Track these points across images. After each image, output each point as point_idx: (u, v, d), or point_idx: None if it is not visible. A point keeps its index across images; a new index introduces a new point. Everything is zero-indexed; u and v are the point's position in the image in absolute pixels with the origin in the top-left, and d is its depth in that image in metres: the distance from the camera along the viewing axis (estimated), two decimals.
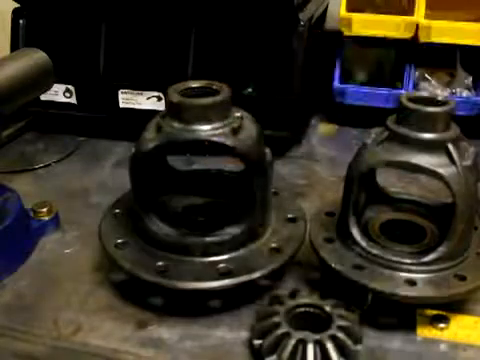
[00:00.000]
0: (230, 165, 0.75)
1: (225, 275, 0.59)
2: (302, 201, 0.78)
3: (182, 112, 0.58)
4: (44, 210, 0.75)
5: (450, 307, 0.61)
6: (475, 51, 0.96)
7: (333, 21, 1.07)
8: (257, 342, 0.55)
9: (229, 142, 0.58)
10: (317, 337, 0.52)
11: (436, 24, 0.93)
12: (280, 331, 0.53)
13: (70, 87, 0.98)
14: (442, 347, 0.58)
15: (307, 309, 0.57)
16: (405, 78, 1.00)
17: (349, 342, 0.52)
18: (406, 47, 1.00)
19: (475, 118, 0.97)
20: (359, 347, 0.53)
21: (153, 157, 0.61)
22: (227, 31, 0.91)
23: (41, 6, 0.98)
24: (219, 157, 0.79)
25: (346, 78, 1.03)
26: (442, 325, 0.59)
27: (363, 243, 0.60)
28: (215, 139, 0.58)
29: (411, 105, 0.57)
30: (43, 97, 0.97)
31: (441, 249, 0.58)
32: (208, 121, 0.58)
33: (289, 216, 0.68)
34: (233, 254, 0.61)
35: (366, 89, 1.01)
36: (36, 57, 0.75)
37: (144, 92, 0.94)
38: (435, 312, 0.61)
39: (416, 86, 1.01)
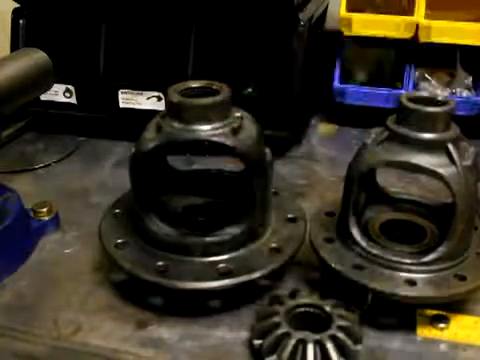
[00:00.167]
0: (230, 165, 0.75)
1: (225, 275, 0.59)
2: (302, 201, 0.78)
3: (182, 112, 0.58)
4: (44, 210, 0.75)
5: (450, 307, 0.61)
6: (475, 51, 0.96)
7: (333, 21, 1.07)
8: (257, 342, 0.55)
9: (229, 142, 0.58)
10: (317, 337, 0.52)
11: (436, 24, 0.93)
12: (280, 331, 0.53)
13: (70, 87, 0.98)
14: (442, 347, 0.58)
15: (307, 309, 0.57)
16: (405, 78, 1.00)
17: (349, 342, 0.52)
18: (406, 47, 1.00)
19: (475, 118, 0.97)
20: (359, 347, 0.53)
21: (153, 157, 0.61)
22: (227, 31, 0.91)
23: (41, 6, 0.98)
24: (219, 157, 0.79)
25: (346, 78, 1.03)
26: (442, 325, 0.59)
27: (363, 243, 0.60)
28: (215, 139, 0.58)
29: (411, 105, 0.57)
30: (43, 97, 0.97)
31: (441, 249, 0.58)
32: (208, 121, 0.58)
33: (289, 216, 0.68)
34: (233, 254, 0.61)
35: (366, 89, 1.01)
36: (36, 57, 0.75)
37: (144, 92, 0.94)
38: (435, 312, 0.61)
39: (416, 86, 1.01)
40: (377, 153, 0.59)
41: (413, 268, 0.58)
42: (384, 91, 1.00)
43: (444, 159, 0.56)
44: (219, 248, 0.61)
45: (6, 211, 0.70)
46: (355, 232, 0.61)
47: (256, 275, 0.59)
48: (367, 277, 0.57)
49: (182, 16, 0.92)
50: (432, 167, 0.56)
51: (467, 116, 0.95)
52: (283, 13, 0.88)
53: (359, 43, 1.02)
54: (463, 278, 0.58)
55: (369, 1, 0.98)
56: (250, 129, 0.61)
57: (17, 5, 1.00)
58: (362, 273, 0.58)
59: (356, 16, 0.96)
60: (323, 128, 1.08)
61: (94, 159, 0.96)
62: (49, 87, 0.79)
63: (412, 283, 0.57)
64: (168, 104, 0.61)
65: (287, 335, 0.53)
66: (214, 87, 0.62)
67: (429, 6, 0.94)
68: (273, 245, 0.63)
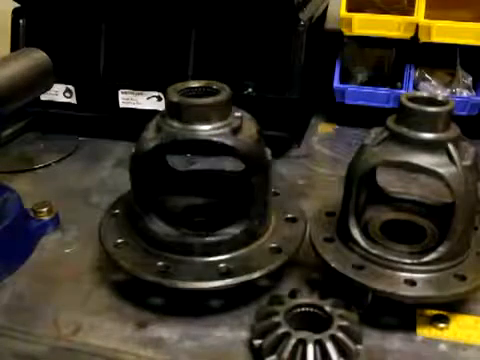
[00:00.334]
0: (230, 165, 0.75)
1: (225, 275, 0.59)
2: (302, 201, 0.78)
3: (182, 112, 0.58)
4: (44, 210, 0.75)
5: (450, 307, 0.61)
6: (475, 51, 0.96)
7: (333, 21, 1.07)
8: (257, 342, 0.55)
9: (229, 142, 0.58)
10: (317, 337, 0.52)
11: (436, 24, 0.93)
12: (280, 331, 0.53)
13: (70, 87, 0.98)
14: (442, 347, 0.58)
15: (307, 309, 0.57)
16: (405, 78, 1.00)
17: (349, 342, 0.52)
18: (406, 47, 1.00)
19: (475, 118, 0.97)
20: (359, 347, 0.53)
21: (153, 157, 0.61)
22: (227, 31, 0.91)
23: (41, 6, 0.98)
24: (219, 157, 0.79)
25: (346, 78, 1.03)
26: (442, 325, 0.59)
27: (363, 243, 0.60)
28: (215, 139, 0.58)
29: (411, 105, 0.57)
30: (43, 97, 0.97)
31: (441, 249, 0.58)
32: (208, 121, 0.58)
33: (289, 216, 0.68)
34: (233, 254, 0.61)
35: (366, 89, 1.01)
36: (36, 57, 0.75)
37: (144, 92, 0.94)
38: (435, 312, 0.61)
39: (416, 86, 1.01)
40: (377, 153, 0.59)
41: (413, 268, 0.58)
42: (384, 91, 1.00)
43: (444, 159, 0.56)
44: (219, 248, 0.61)
45: (6, 211, 0.70)
46: (355, 232, 0.61)
47: (256, 275, 0.59)
48: (367, 277, 0.57)
49: (182, 16, 0.92)
50: (432, 167, 0.56)
51: (467, 116, 0.95)
52: (283, 13, 0.88)
53: (359, 43, 1.02)
54: (463, 278, 0.58)
55: (369, 1, 0.98)
56: (250, 129, 0.61)
57: (17, 5, 1.00)
58: (362, 273, 0.58)
59: (356, 16, 0.96)
60: (323, 128, 1.08)
61: (94, 159, 0.96)
62: (49, 87, 0.79)
63: (412, 283, 0.57)
64: (168, 104, 0.61)
65: (287, 335, 0.53)
66: (214, 87, 0.62)
67: (429, 6, 0.94)
68: (273, 245, 0.63)
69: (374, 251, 0.60)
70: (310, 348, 0.51)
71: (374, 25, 0.96)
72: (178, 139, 0.58)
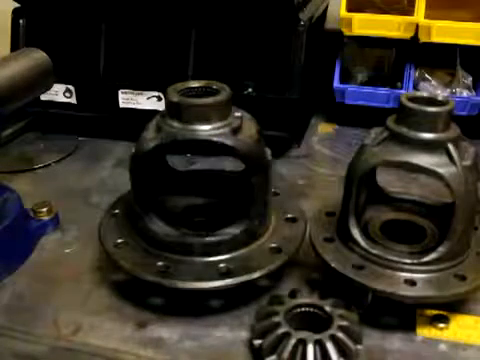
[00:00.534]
0: (230, 165, 0.75)
1: (225, 275, 0.59)
2: (302, 201, 0.78)
3: (182, 112, 0.58)
4: (44, 210, 0.75)
5: (450, 307, 0.61)
6: (475, 51, 0.96)
7: (333, 21, 1.07)
8: (257, 342, 0.55)
9: (229, 142, 0.58)
10: (317, 337, 0.52)
11: (436, 24, 0.93)
12: (280, 331, 0.53)
13: (70, 87, 0.98)
14: (442, 347, 0.58)
15: (307, 309, 0.57)
16: (405, 78, 1.00)
17: (349, 342, 0.52)
18: (406, 47, 1.00)
19: (475, 118, 0.97)
20: (359, 347, 0.53)
21: (153, 157, 0.61)
22: (227, 31, 0.91)
23: (41, 6, 0.98)
24: (219, 157, 0.79)
25: (346, 78, 1.03)
26: (442, 325, 0.59)
27: (363, 243, 0.60)
28: (215, 139, 0.58)
29: (411, 105, 0.57)
30: (43, 97, 0.97)
31: (441, 249, 0.58)
32: (208, 121, 0.58)
33: (289, 216, 0.68)
34: (233, 254, 0.61)
35: (366, 89, 1.01)
36: (36, 57, 0.75)
37: (144, 92, 0.94)
38: (435, 312, 0.61)
39: (416, 86, 1.01)
40: (377, 153, 0.59)
41: (413, 268, 0.58)
42: (384, 91, 1.00)
43: (444, 159, 0.56)
44: (219, 248, 0.61)
45: (6, 211, 0.70)
46: (355, 232, 0.61)
47: (256, 275, 0.59)
48: (367, 277, 0.57)
49: (182, 16, 0.92)
50: (432, 167, 0.56)
51: (467, 116, 0.95)
52: (283, 13, 0.88)
53: (359, 43, 1.02)
54: (463, 278, 0.58)
55: (369, 1, 0.98)
56: (250, 129, 0.61)
57: (17, 5, 1.00)
58: (362, 273, 0.58)
59: (356, 16, 0.96)
60: (323, 128, 1.08)
61: (94, 159, 0.96)
62: (49, 87, 0.79)
63: (412, 283, 0.57)
64: (168, 104, 0.61)
65: (287, 335, 0.53)
66: (214, 87, 0.62)
67: (429, 6, 0.94)
68: (273, 245, 0.63)
69: (374, 251, 0.60)
70: (310, 348, 0.51)
71: (374, 25, 0.96)
72: (178, 139, 0.58)
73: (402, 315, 0.60)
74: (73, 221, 0.77)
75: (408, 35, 0.96)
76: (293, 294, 0.58)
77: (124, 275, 0.64)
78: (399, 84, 1.01)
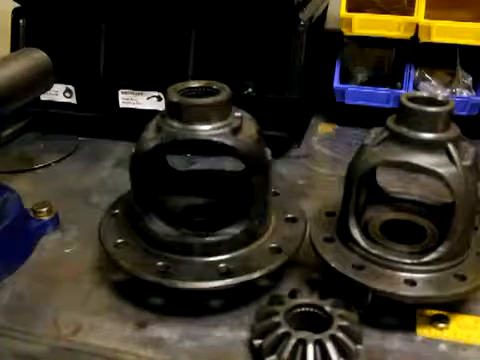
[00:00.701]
0: (230, 165, 0.75)
1: (225, 275, 0.59)
2: (302, 201, 0.78)
3: (182, 112, 0.58)
4: (44, 210, 0.75)
5: (450, 307, 0.61)
6: (475, 51, 0.96)
7: (333, 21, 1.07)
8: (257, 342, 0.55)
9: (229, 142, 0.58)
10: (317, 337, 0.52)
11: (436, 24, 0.93)
12: (280, 331, 0.53)
13: (70, 87, 0.98)
14: (442, 347, 0.58)
15: (307, 309, 0.57)
16: (405, 78, 1.00)
17: (349, 342, 0.52)
18: (406, 47, 1.00)
19: (475, 118, 0.97)
20: (359, 347, 0.53)
21: (153, 157, 0.61)
22: (227, 31, 0.91)
23: (41, 6, 0.98)
24: (219, 157, 0.79)
25: (346, 78, 1.03)
26: (442, 325, 0.59)
27: (363, 243, 0.60)
28: (215, 139, 0.58)
29: (411, 105, 0.57)
30: (43, 97, 0.97)
31: (441, 249, 0.58)
32: (208, 121, 0.58)
33: (289, 216, 0.68)
34: (233, 254, 0.61)
35: (366, 89, 1.01)
36: (36, 57, 0.75)
37: (144, 92, 0.94)
38: (435, 312, 0.61)
39: (416, 86, 1.01)
40: (377, 153, 0.59)
41: (413, 268, 0.58)
42: (384, 91, 1.00)
43: (444, 159, 0.56)
44: (219, 248, 0.61)
45: (6, 211, 0.70)
46: (355, 232, 0.61)
47: (256, 275, 0.59)
48: (367, 277, 0.57)
49: (182, 16, 0.92)
50: (432, 167, 0.56)
51: (467, 116, 0.95)
52: (283, 13, 0.88)
53: (359, 43, 1.02)
54: (463, 278, 0.58)
55: (369, 1, 0.98)
56: (250, 129, 0.61)
57: (17, 5, 1.00)
58: (362, 273, 0.58)
59: (356, 16, 0.96)
60: (323, 128, 1.08)
61: (94, 159, 0.96)
62: (49, 87, 0.79)
63: (412, 283, 0.57)
64: (168, 104, 0.61)
65: (287, 335, 0.53)
66: (214, 87, 0.62)
67: (429, 6, 0.94)
68: (273, 245, 0.63)
69: (374, 251, 0.60)
70: (310, 348, 0.51)
71: (374, 25, 0.96)
72: (178, 139, 0.58)
73: (402, 315, 0.60)
74: (73, 221, 0.77)
75: (408, 35, 0.96)
76: (293, 294, 0.58)
77: (124, 275, 0.64)
78: (399, 84, 1.01)
